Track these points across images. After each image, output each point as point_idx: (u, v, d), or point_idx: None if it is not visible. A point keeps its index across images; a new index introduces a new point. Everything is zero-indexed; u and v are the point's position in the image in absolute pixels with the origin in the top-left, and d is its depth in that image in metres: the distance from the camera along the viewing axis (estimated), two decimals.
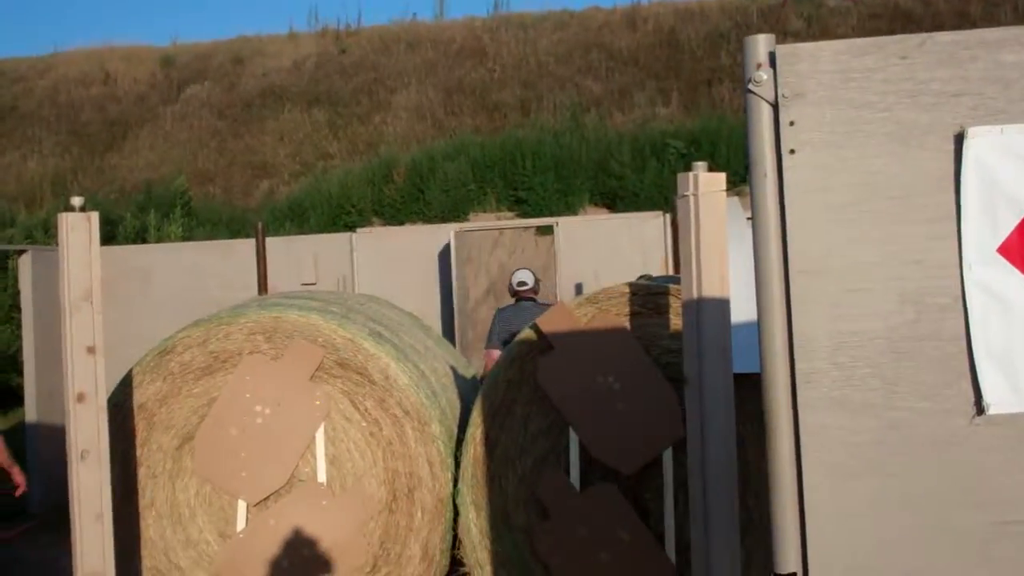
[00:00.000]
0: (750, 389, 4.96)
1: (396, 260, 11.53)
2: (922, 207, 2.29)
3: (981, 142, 2.25)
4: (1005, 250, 2.27)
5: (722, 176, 4.23)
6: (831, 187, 2.30)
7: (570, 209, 19.10)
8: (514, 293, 9.87)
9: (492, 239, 14.30)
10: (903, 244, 2.29)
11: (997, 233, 2.26)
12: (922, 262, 2.29)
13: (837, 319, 2.30)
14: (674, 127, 21.17)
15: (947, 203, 2.28)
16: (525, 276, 9.72)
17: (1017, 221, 2.26)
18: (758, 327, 2.37)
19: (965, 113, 2.28)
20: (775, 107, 2.32)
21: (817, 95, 2.30)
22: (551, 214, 17.59)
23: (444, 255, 12.32)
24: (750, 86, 2.33)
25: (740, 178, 15.32)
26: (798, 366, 2.32)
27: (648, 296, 5.62)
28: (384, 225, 18.70)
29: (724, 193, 4.20)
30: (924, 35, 2.30)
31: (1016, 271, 2.26)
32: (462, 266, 12.72)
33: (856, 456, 2.29)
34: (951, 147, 2.27)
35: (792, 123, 2.30)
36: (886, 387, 2.30)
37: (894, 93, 2.29)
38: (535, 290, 9.68)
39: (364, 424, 6.03)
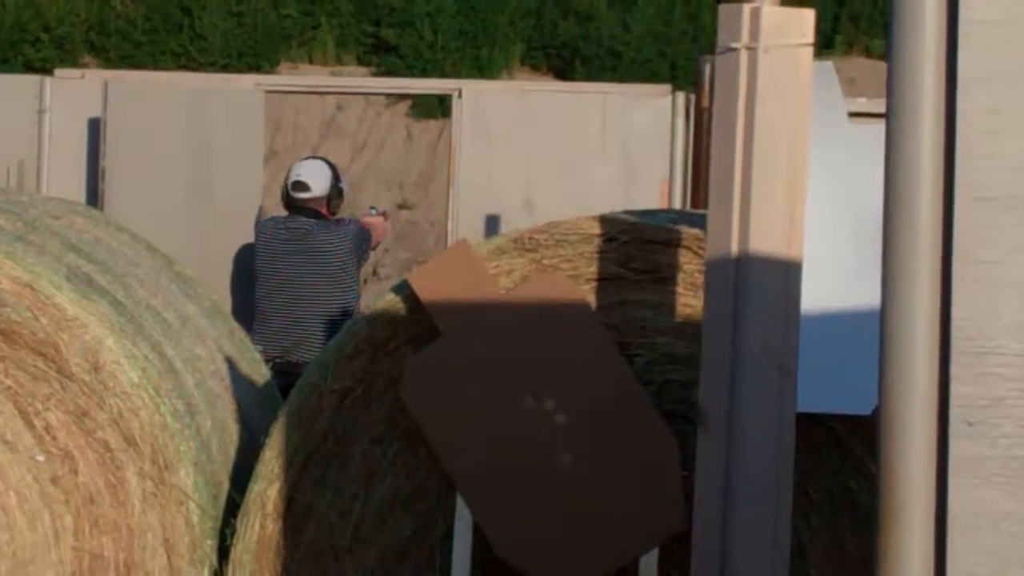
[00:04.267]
0: (824, 443, 5.08)
1: (130, 137, 10.94)
2: None
3: None
4: None
5: (809, 15, 4.08)
6: None
7: (485, 71, 19.20)
8: (288, 202, 9.92)
9: (324, 113, 14.09)
10: None
11: None
12: None
13: None
14: None
15: None
16: (308, 172, 9.96)
17: None
18: (882, 311, 2.28)
19: None
20: None
21: None
22: (445, 75, 17.43)
23: (225, 133, 11.70)
24: None
25: (826, 39, 15.07)
26: (955, 391, 2.19)
27: (637, 245, 5.28)
28: (105, 68, 18.30)
29: (811, 49, 4.06)
30: None
31: None
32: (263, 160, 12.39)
33: None
34: None
35: None
36: None
37: None
38: (327, 200, 9.95)
39: (42, 458, 5.74)
